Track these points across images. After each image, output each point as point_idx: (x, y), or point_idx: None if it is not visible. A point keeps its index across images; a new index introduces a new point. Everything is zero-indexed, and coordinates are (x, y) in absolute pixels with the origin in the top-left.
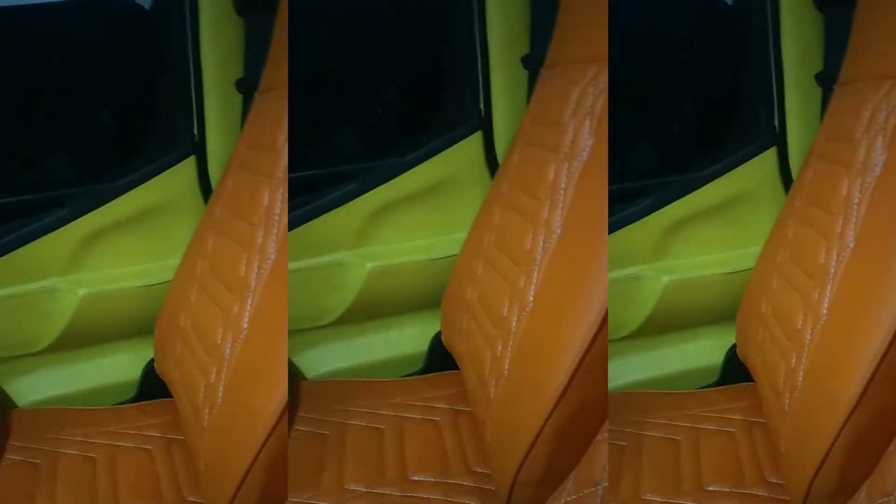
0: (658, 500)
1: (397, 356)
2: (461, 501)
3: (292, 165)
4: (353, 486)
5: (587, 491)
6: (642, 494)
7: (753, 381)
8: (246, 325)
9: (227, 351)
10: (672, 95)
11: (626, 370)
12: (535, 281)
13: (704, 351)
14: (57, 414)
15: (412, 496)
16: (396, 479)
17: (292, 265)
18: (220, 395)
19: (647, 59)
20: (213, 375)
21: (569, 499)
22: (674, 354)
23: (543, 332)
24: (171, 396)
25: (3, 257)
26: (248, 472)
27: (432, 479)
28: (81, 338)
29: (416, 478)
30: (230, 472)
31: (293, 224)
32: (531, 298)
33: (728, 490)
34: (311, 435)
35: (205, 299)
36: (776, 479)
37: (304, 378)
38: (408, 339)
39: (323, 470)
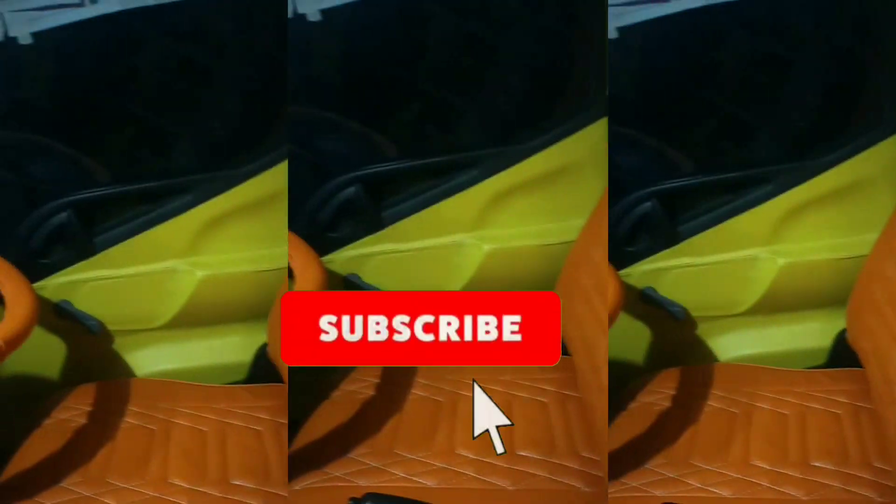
0: (766, 467)
1: None
2: (565, 481)
3: (417, 153)
4: (462, 452)
5: None
6: (750, 460)
7: (861, 367)
8: None
9: None
10: (794, 82)
11: (738, 345)
12: None
13: (813, 333)
14: (172, 386)
15: (517, 469)
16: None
17: (411, 245)
18: None
19: (770, 47)
20: None
21: None
22: (784, 334)
23: None
24: (281, 381)
25: (131, 238)
26: None
27: (538, 457)
28: (197, 318)
29: (522, 453)
30: None
31: (417, 207)
32: None
33: (833, 468)
34: (425, 400)
35: None
36: (882, 464)
37: None
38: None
39: (435, 433)
